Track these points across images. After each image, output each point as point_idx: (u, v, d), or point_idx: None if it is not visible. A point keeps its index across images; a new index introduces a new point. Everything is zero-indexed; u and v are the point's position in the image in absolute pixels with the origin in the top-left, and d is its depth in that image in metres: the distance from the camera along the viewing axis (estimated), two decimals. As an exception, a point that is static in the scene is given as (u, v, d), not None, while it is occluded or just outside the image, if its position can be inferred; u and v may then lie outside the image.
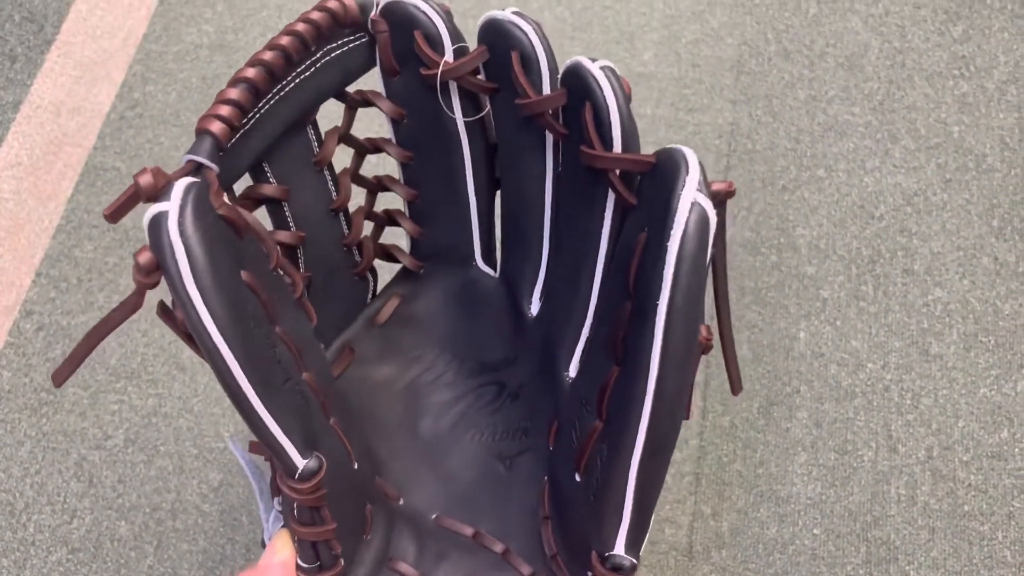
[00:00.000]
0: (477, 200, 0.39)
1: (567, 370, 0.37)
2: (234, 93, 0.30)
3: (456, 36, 0.35)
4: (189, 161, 0.29)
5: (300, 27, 0.32)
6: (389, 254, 0.42)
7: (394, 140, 0.39)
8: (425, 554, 0.36)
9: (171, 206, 0.25)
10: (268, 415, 0.28)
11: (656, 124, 0.61)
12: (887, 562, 0.49)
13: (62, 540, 0.50)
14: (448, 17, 0.35)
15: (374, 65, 0.36)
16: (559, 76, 0.33)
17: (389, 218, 0.41)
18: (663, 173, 0.29)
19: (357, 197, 0.39)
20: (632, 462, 0.29)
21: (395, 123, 0.38)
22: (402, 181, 0.40)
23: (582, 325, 0.37)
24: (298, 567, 0.32)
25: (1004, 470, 0.51)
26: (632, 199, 0.32)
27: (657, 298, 0.27)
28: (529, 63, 0.33)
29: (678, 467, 0.51)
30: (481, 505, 0.38)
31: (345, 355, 0.41)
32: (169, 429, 0.53)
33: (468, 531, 0.37)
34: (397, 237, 0.41)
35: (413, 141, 0.38)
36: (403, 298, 0.42)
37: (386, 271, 0.42)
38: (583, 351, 0.37)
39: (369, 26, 0.35)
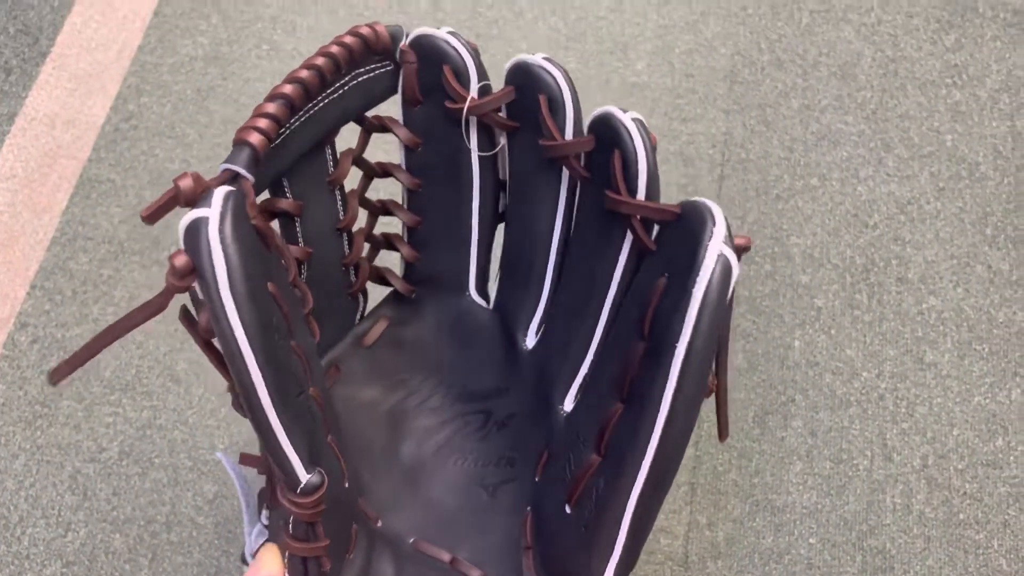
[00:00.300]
0: (479, 232, 0.40)
1: (562, 404, 0.38)
2: (272, 108, 0.31)
3: (482, 73, 0.36)
4: (226, 170, 0.30)
5: (335, 49, 0.33)
6: (382, 277, 0.42)
7: (404, 166, 0.39)
8: None
9: (212, 213, 0.26)
10: (280, 427, 0.28)
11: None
12: (883, 571, 0.49)
13: (56, 553, 0.50)
14: (476, 54, 0.36)
15: (395, 92, 0.37)
16: (588, 122, 0.35)
17: (387, 241, 0.42)
18: (689, 224, 0.30)
19: (359, 218, 0.39)
20: (631, 497, 0.30)
21: (408, 150, 0.39)
22: (405, 206, 0.40)
23: (581, 361, 0.37)
24: None
25: (999, 478, 0.51)
26: (651, 245, 0.33)
27: (675, 342, 0.28)
28: (556, 107, 0.35)
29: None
30: (460, 531, 0.38)
31: (331, 373, 0.41)
32: (164, 441, 0.53)
33: (446, 556, 0.37)
34: (390, 260, 0.42)
35: (423, 169, 0.39)
36: (392, 321, 0.43)
37: (375, 292, 0.43)
38: (581, 387, 0.37)
39: (397, 55, 0.36)
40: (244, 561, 0.35)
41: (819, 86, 0.63)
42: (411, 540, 0.37)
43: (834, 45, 0.65)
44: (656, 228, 0.33)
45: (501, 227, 0.41)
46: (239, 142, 0.30)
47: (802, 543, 0.50)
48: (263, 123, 0.31)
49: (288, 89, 0.32)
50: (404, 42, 0.36)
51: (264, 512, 0.34)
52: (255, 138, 0.30)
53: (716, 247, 0.28)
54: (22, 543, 0.50)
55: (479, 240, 0.40)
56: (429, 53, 0.36)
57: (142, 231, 0.58)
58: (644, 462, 0.29)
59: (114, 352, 0.55)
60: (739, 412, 0.53)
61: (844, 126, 0.62)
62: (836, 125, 0.62)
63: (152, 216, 0.28)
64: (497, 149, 0.38)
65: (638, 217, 0.33)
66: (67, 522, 0.51)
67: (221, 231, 0.25)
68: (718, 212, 0.29)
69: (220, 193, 0.26)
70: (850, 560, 0.49)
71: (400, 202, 0.41)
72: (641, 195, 0.32)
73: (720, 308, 0.28)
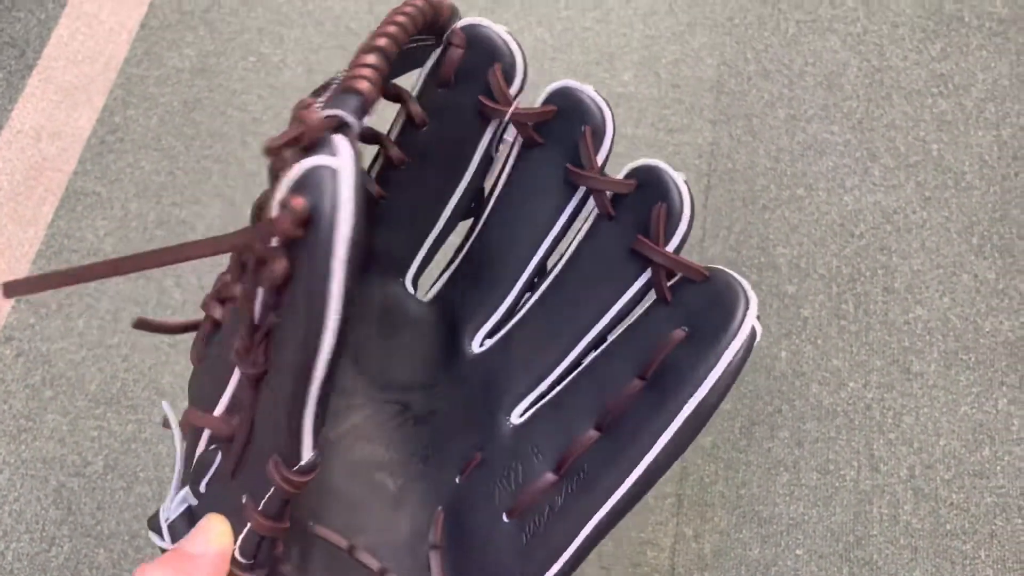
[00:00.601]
0: (444, 224, 0.40)
1: (509, 415, 0.37)
2: (374, 59, 0.29)
3: (526, 78, 0.36)
4: (332, 117, 0.26)
5: (411, 10, 0.32)
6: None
7: (392, 139, 0.39)
8: (302, 562, 0.35)
9: (342, 164, 0.23)
10: (315, 401, 0.27)
11: (636, 144, 0.61)
12: (870, 582, 0.49)
13: (40, 568, 0.50)
14: (524, 57, 0.36)
15: (419, 67, 0.37)
16: (633, 167, 0.36)
17: None
18: (719, 290, 0.32)
19: None
20: (593, 520, 0.32)
21: (407, 127, 0.38)
22: (373, 178, 0.40)
23: (543, 378, 0.37)
24: (234, 561, 0.30)
25: (986, 488, 0.51)
26: (669, 296, 0.34)
27: (690, 394, 0.31)
28: (599, 139, 0.36)
29: (659, 489, 0.51)
30: (361, 520, 0.37)
31: None
32: (149, 455, 0.52)
33: (343, 543, 0.36)
34: None
35: (417, 150, 0.38)
36: None
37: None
38: (539, 403, 0.37)
39: (447, 36, 0.36)
40: (155, 528, 0.32)
41: (805, 96, 0.63)
42: (310, 523, 0.37)
43: (820, 55, 0.65)
44: (669, 281, 0.35)
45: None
46: (348, 89, 0.28)
47: (789, 555, 0.50)
48: (370, 72, 0.28)
49: (383, 43, 0.30)
50: (456, 24, 0.36)
51: (203, 482, 0.32)
52: (365, 85, 0.28)
53: (750, 321, 0.31)
54: (6, 558, 0.50)
55: (440, 232, 0.40)
56: (482, 44, 0.35)
57: (128, 244, 0.58)
58: (618, 492, 0.31)
59: (99, 365, 0.55)
60: (726, 423, 0.53)
61: (830, 136, 0.62)
62: (822, 135, 0.62)
63: (275, 150, 0.25)
64: (506, 153, 0.38)
65: (663, 269, 0.34)
66: (51, 537, 0.51)
67: (354, 187, 0.23)
68: (748, 287, 0.32)
69: (345, 144, 0.24)
70: (837, 571, 0.49)
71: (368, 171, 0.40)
72: (671, 249, 0.34)
73: (739, 371, 0.31)
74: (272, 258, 0.24)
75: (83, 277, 0.27)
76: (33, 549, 0.50)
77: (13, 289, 0.28)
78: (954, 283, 0.57)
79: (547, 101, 0.36)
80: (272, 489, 0.29)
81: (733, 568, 0.49)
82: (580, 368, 0.36)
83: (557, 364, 0.37)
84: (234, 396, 0.31)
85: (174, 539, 0.31)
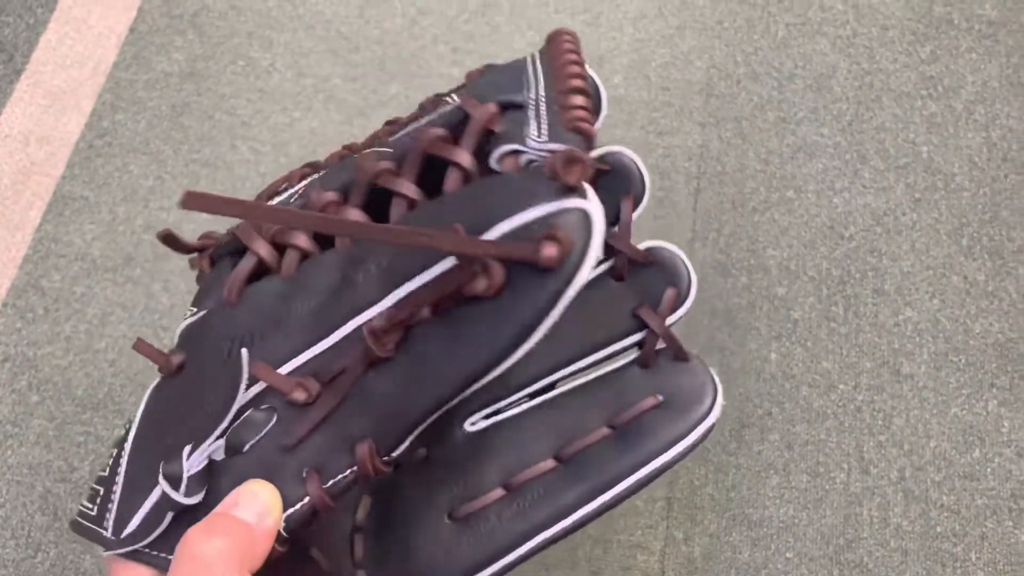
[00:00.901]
0: None
1: (463, 422, 0.38)
2: (583, 100, 0.31)
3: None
4: (579, 157, 0.27)
5: (572, 46, 0.34)
6: None
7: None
8: None
9: (596, 213, 0.26)
10: (446, 403, 0.29)
11: (626, 147, 0.61)
12: (860, 585, 0.49)
13: (26, 574, 0.49)
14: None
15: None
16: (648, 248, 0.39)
17: None
18: (696, 377, 0.37)
19: None
20: (538, 538, 0.34)
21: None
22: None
23: (503, 398, 0.38)
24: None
25: (977, 490, 0.51)
26: (652, 362, 0.38)
27: (653, 452, 0.35)
28: (636, 205, 0.39)
29: (650, 492, 0.51)
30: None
31: None
32: (136, 460, 0.52)
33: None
34: None
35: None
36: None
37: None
38: (502, 421, 0.38)
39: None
40: (172, 478, 0.29)
41: (795, 98, 0.63)
42: None
43: (810, 58, 0.65)
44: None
45: None
46: (579, 131, 0.30)
47: (779, 558, 0.49)
48: (589, 116, 0.31)
49: (579, 83, 0.32)
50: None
51: (248, 443, 0.30)
52: (593, 132, 0.31)
53: (718, 412, 0.37)
54: (-9, 565, 0.50)
55: None
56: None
57: (115, 248, 0.58)
58: (569, 519, 0.34)
59: (86, 370, 0.54)
60: (716, 426, 0.53)
61: (820, 138, 0.62)
62: (812, 137, 0.62)
63: (561, 174, 0.26)
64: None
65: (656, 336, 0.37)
66: (37, 543, 0.50)
67: (602, 234, 0.26)
68: (719, 387, 0.38)
69: (594, 195, 0.27)
70: (827, 574, 0.49)
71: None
72: (668, 321, 0.38)
73: (694, 449, 0.36)
74: (494, 272, 0.27)
75: (273, 217, 0.28)
76: (19, 555, 0.50)
77: (191, 201, 0.28)
78: (944, 285, 0.57)
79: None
80: (350, 471, 0.29)
81: (723, 571, 0.49)
82: (546, 398, 0.38)
83: (523, 388, 0.38)
84: (322, 364, 0.30)
85: (189, 494, 0.30)
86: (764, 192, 0.60)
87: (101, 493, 0.33)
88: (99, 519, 0.32)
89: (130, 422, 0.35)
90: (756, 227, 0.59)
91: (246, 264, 0.34)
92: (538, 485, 0.35)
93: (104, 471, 0.34)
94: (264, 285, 0.33)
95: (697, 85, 0.64)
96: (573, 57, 0.33)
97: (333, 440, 0.30)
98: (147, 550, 0.30)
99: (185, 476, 0.30)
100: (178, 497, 0.29)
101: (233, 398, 0.30)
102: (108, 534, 0.32)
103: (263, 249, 0.33)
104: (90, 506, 0.33)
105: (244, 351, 0.31)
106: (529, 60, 0.35)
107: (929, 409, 0.53)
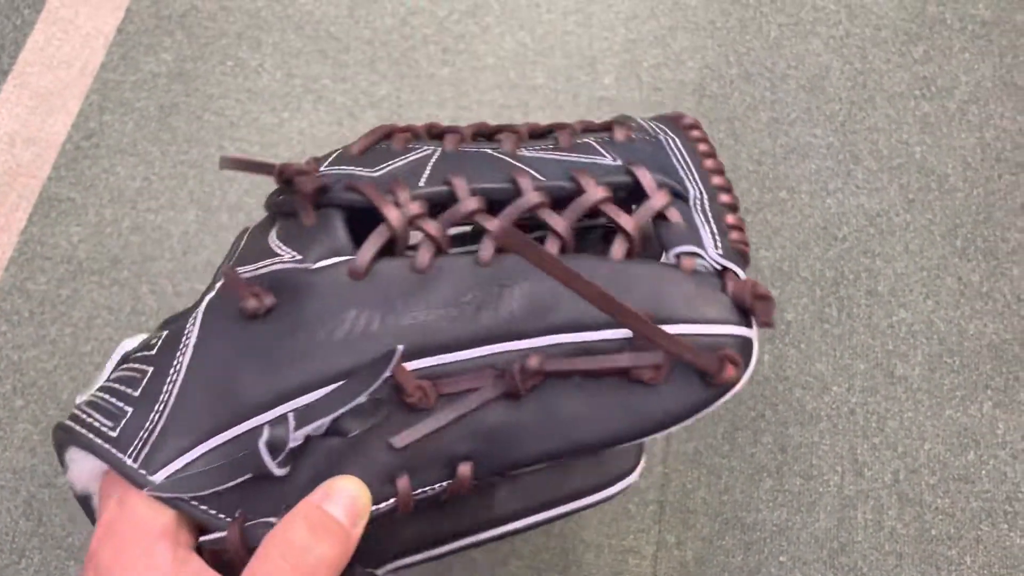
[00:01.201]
0: None
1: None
2: (738, 219, 0.35)
3: None
4: (769, 296, 0.31)
5: (707, 147, 0.37)
6: None
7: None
8: None
9: (755, 341, 0.31)
10: None
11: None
12: (854, 589, 0.48)
13: (10, 581, 0.49)
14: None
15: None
16: None
17: None
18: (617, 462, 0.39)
19: None
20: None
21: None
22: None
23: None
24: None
25: (971, 493, 0.50)
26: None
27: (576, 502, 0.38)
28: None
29: (642, 495, 0.50)
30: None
31: None
32: (122, 465, 0.51)
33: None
34: None
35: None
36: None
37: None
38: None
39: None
40: (275, 447, 0.27)
41: (788, 99, 0.63)
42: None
43: (802, 58, 0.64)
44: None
45: None
46: (744, 258, 0.33)
47: (772, 561, 0.49)
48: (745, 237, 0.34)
49: (730, 199, 0.35)
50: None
51: (356, 430, 0.29)
52: (748, 257, 0.34)
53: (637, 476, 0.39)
54: (-26, 571, 0.49)
55: None
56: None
57: (102, 251, 0.57)
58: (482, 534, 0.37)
59: (71, 374, 0.54)
60: (708, 428, 0.52)
61: (813, 139, 0.61)
62: (805, 138, 0.61)
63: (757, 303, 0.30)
64: None
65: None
66: (21, 549, 0.50)
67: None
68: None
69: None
70: (821, 578, 0.48)
71: None
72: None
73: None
74: (664, 364, 0.29)
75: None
76: (3, 561, 0.49)
77: (229, 163, 0.29)
78: (938, 286, 0.56)
79: None
80: (438, 484, 0.30)
81: (716, 575, 0.48)
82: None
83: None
84: (445, 373, 0.30)
85: (283, 464, 0.27)
86: (757, 193, 0.59)
87: (128, 413, 0.29)
88: (120, 443, 0.29)
89: (165, 330, 0.32)
90: (749, 228, 0.58)
91: (379, 238, 0.31)
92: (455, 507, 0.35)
93: (119, 383, 0.31)
94: (394, 269, 0.30)
95: (689, 86, 0.63)
96: (716, 164, 0.35)
97: (435, 452, 0.29)
98: (192, 501, 0.28)
99: (288, 447, 0.27)
100: (272, 466, 0.27)
101: (369, 385, 0.28)
102: (134, 463, 0.28)
103: (397, 222, 0.31)
104: (104, 420, 0.30)
105: (400, 347, 0.29)
106: (664, 139, 0.35)
107: (923, 411, 0.53)
